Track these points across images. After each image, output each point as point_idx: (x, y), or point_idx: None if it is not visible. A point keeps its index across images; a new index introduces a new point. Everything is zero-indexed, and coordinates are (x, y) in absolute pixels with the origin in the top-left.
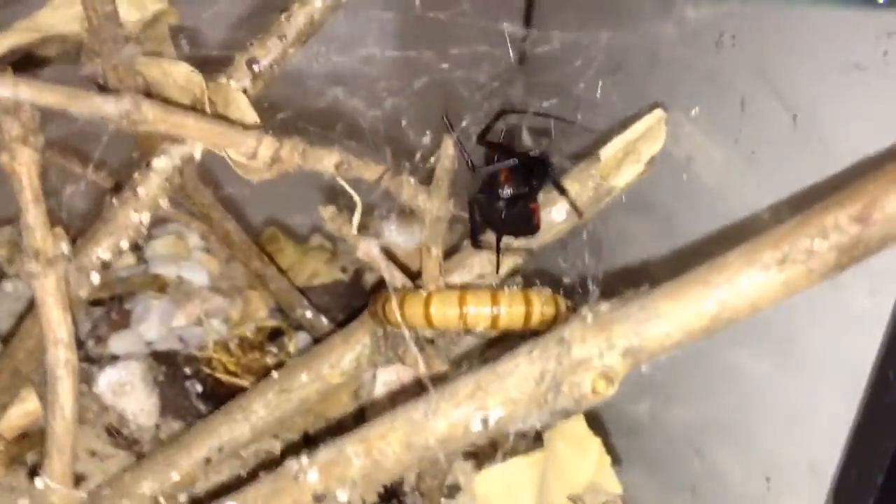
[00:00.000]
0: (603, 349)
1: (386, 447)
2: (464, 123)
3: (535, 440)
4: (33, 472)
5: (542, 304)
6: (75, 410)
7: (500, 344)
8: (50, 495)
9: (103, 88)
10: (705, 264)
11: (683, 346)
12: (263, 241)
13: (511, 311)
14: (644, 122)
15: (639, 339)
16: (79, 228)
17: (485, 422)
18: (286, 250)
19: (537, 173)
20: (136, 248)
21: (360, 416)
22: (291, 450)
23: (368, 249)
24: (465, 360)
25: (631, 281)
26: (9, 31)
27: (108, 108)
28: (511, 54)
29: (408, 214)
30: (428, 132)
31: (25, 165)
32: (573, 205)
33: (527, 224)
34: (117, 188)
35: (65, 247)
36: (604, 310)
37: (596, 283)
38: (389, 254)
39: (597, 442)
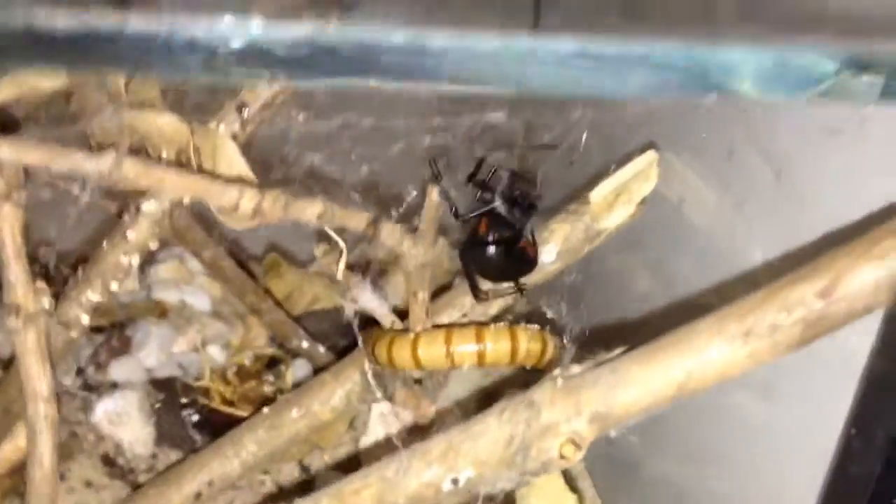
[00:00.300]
0: (571, 415)
1: (359, 503)
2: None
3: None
4: None
5: (528, 341)
6: (55, 462)
7: None
8: None
9: (89, 144)
10: (675, 331)
11: (651, 411)
12: (264, 267)
13: (497, 347)
14: (637, 163)
15: (606, 406)
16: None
17: (455, 482)
18: (287, 276)
19: (519, 210)
20: (141, 270)
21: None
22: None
23: (357, 293)
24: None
25: (619, 326)
26: None
27: (89, 166)
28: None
29: (381, 278)
30: (410, 187)
31: (7, 222)
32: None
33: (523, 264)
34: (121, 213)
35: (46, 301)
36: (574, 373)
37: (576, 330)
38: None
39: (573, 498)
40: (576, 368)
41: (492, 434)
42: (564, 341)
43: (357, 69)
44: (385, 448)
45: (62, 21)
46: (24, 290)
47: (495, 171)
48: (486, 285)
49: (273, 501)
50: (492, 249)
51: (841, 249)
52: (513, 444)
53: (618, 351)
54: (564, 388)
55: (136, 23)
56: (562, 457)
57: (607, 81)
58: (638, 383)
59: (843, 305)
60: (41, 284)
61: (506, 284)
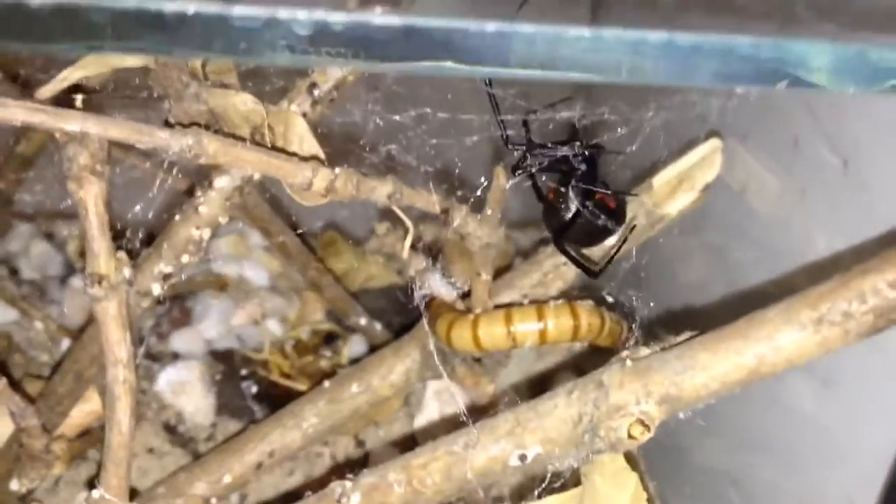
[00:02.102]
0: (640, 396)
1: (426, 476)
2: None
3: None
4: (91, 480)
5: (588, 316)
6: (132, 426)
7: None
8: None
9: (168, 122)
10: (745, 318)
11: (719, 395)
12: (322, 245)
13: (559, 323)
14: (700, 150)
15: (676, 388)
16: (150, 229)
17: (522, 458)
18: (344, 254)
19: (581, 168)
20: None
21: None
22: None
23: (419, 269)
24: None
25: (683, 312)
26: (76, 64)
27: (171, 142)
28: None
29: (463, 255)
30: (481, 178)
31: (92, 195)
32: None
33: (611, 218)
34: (191, 191)
35: (127, 272)
36: (643, 355)
37: (642, 314)
38: None
39: (634, 477)
40: (644, 351)
41: (560, 412)
42: (623, 319)
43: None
44: (441, 427)
45: (171, 5)
46: (106, 260)
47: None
48: (596, 258)
49: (330, 474)
50: (571, 212)
51: None
52: (581, 424)
53: (685, 335)
54: (633, 370)
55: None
56: (630, 437)
57: (679, 70)
58: (707, 368)
59: None
60: (122, 255)
61: (609, 243)
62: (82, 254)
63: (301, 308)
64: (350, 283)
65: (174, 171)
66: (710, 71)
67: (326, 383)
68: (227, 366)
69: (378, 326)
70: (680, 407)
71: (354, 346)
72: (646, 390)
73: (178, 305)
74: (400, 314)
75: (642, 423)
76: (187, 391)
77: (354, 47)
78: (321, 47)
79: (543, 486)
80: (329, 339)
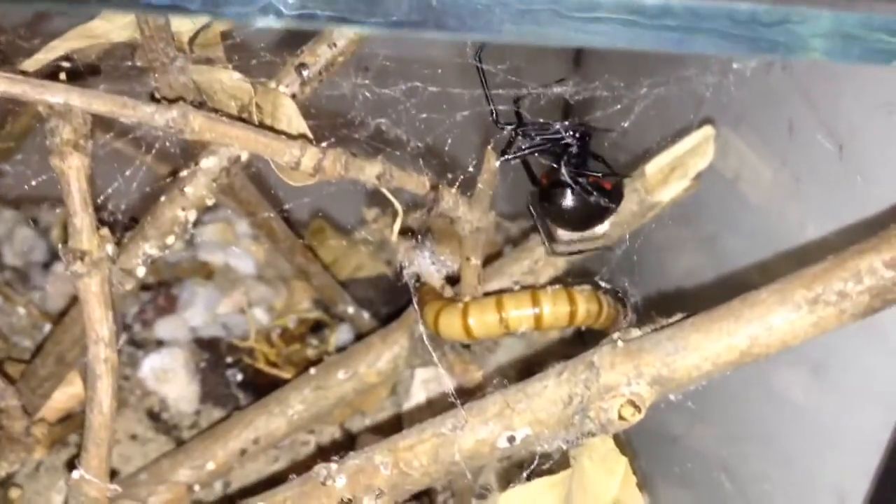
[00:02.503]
0: (631, 377)
1: (413, 459)
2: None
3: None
4: (72, 463)
5: (586, 301)
6: (113, 407)
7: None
8: (85, 486)
9: (154, 97)
10: (738, 298)
11: (711, 377)
12: (309, 233)
13: (555, 309)
14: (692, 138)
15: (667, 369)
16: (132, 212)
17: (511, 440)
18: (331, 243)
19: (574, 147)
20: None
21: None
22: (328, 445)
23: (408, 254)
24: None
25: (673, 298)
26: (63, 37)
27: (157, 118)
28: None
29: (440, 244)
30: (472, 157)
31: (74, 169)
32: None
33: (610, 198)
34: (173, 174)
35: (110, 249)
36: (634, 336)
37: (635, 299)
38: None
39: (623, 461)
40: (635, 332)
41: (550, 394)
42: (619, 302)
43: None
44: (428, 411)
45: None
46: (89, 236)
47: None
48: (564, 237)
49: (315, 460)
50: (566, 192)
51: None
52: (571, 405)
53: (678, 317)
54: (624, 351)
55: None
56: (621, 418)
57: (674, 38)
58: (699, 348)
59: None
60: (105, 232)
61: (588, 233)
62: (65, 240)
63: (287, 297)
64: (338, 272)
65: (153, 152)
66: (708, 38)
67: (312, 370)
68: (212, 353)
69: (366, 315)
70: (671, 388)
71: (341, 334)
72: (637, 371)
73: (163, 293)
74: (388, 304)
75: (633, 404)
76: (171, 378)
77: None
78: None
79: (531, 468)
80: (316, 327)
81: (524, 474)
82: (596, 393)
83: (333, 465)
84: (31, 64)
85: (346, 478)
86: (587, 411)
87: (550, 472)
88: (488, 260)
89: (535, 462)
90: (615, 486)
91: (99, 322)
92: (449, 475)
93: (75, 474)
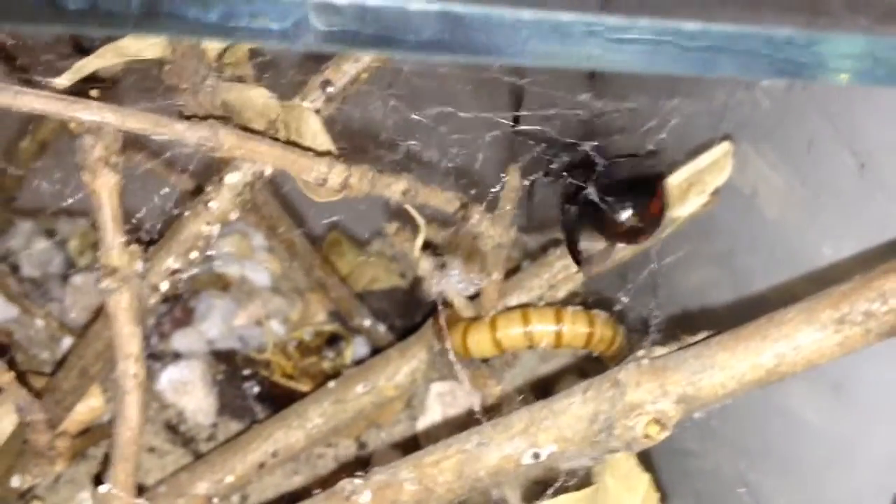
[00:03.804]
0: (657, 395)
1: (438, 475)
2: (533, 177)
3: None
4: (97, 477)
5: (602, 326)
6: (141, 422)
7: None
8: (113, 501)
9: (182, 114)
10: (764, 317)
11: (737, 396)
12: (326, 245)
13: (574, 329)
14: (711, 154)
15: (693, 387)
16: (160, 230)
17: (536, 456)
18: (347, 255)
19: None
20: None
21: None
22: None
23: (428, 271)
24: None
25: (690, 316)
26: (94, 54)
27: (188, 135)
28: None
29: (474, 254)
30: (501, 176)
31: (106, 186)
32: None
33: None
34: (197, 191)
35: (140, 265)
36: (659, 355)
37: (654, 318)
38: None
39: (646, 478)
40: (660, 350)
41: (575, 411)
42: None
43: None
44: (444, 429)
45: None
46: (119, 252)
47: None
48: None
49: (333, 475)
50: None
51: None
52: (597, 422)
53: (702, 335)
54: (650, 369)
55: None
56: (646, 436)
57: (703, 61)
58: (725, 367)
59: None
60: (135, 248)
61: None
62: (83, 252)
63: (303, 309)
64: (353, 284)
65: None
66: (740, 62)
67: (331, 384)
68: (228, 366)
69: (382, 328)
70: (697, 406)
71: (357, 347)
72: (662, 389)
73: (180, 305)
74: (403, 316)
75: (658, 421)
76: (189, 390)
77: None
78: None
79: (557, 485)
80: (332, 340)
81: (549, 491)
82: (621, 411)
83: (358, 481)
84: (62, 80)
85: (372, 493)
86: (613, 429)
87: (575, 489)
88: (507, 274)
89: (562, 480)
90: (637, 503)
91: (128, 338)
92: (473, 491)
93: (103, 488)
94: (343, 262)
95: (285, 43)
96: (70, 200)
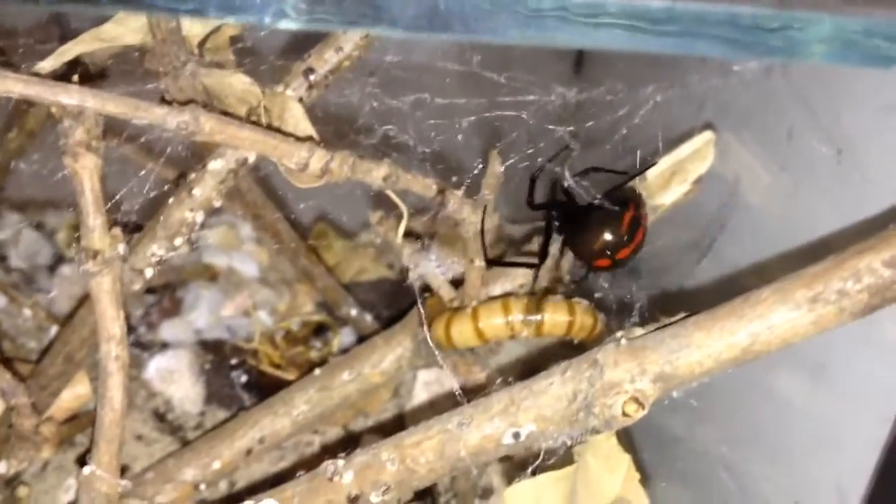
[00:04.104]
0: (635, 374)
1: (419, 455)
2: (509, 161)
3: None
4: (82, 459)
5: (582, 314)
6: (124, 403)
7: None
8: (96, 482)
9: (164, 99)
10: (739, 297)
11: (713, 374)
12: (312, 236)
13: (555, 318)
14: (693, 143)
15: (670, 366)
16: (140, 217)
17: (516, 436)
18: (334, 246)
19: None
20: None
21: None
22: (332, 445)
23: (412, 257)
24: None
25: (671, 301)
26: (76, 40)
27: (168, 119)
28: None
29: (446, 246)
30: (478, 162)
31: (87, 169)
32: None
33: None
34: (179, 178)
35: (122, 248)
36: (637, 335)
37: (636, 303)
38: None
39: (626, 458)
40: (639, 331)
41: (555, 391)
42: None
43: None
44: (430, 412)
45: None
46: (101, 235)
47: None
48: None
49: (320, 459)
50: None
51: None
52: (575, 401)
53: (680, 316)
54: (628, 349)
55: None
56: (625, 414)
57: (676, 42)
58: (702, 346)
59: None
60: (117, 231)
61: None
62: (70, 243)
63: (290, 300)
64: (341, 275)
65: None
66: (710, 43)
67: (317, 371)
68: (216, 355)
69: (368, 318)
70: (674, 385)
71: (344, 337)
72: (640, 368)
73: (167, 295)
74: (390, 307)
75: (637, 400)
76: (176, 379)
77: None
78: None
79: (537, 463)
80: (319, 330)
81: (529, 469)
82: (600, 390)
83: (341, 462)
84: (44, 66)
85: (354, 474)
86: (591, 408)
87: (554, 467)
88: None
89: (541, 458)
90: (618, 483)
91: (111, 320)
92: (454, 471)
93: (86, 470)
94: (330, 254)
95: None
96: (57, 193)
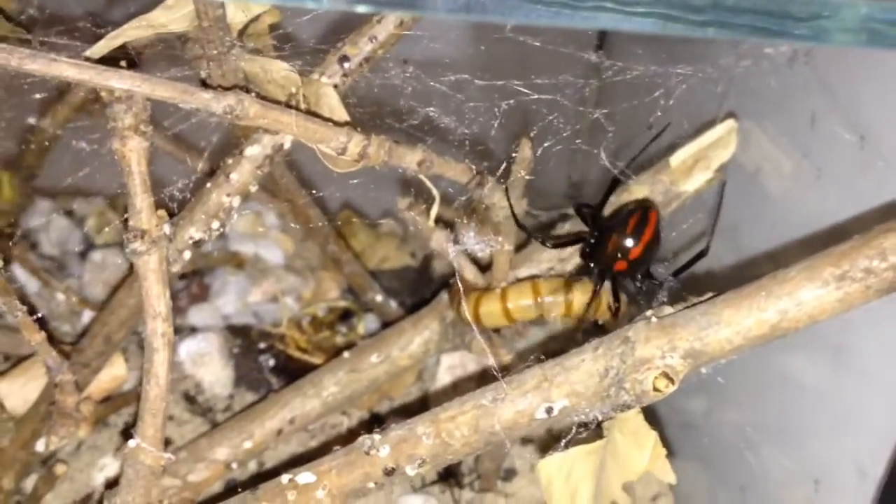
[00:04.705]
0: (665, 350)
1: (454, 429)
2: (546, 144)
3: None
4: (126, 432)
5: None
6: (169, 379)
7: None
8: (140, 454)
9: (206, 84)
10: (768, 276)
11: (743, 351)
12: (337, 224)
13: (582, 298)
14: (716, 131)
15: (700, 342)
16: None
17: (549, 411)
18: (358, 234)
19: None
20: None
21: (423, 400)
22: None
23: (441, 241)
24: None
25: (695, 285)
26: (125, 26)
27: (215, 104)
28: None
29: (485, 225)
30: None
31: (135, 152)
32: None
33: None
34: (213, 171)
35: (167, 228)
36: (668, 313)
37: (664, 285)
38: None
39: (653, 435)
40: (668, 310)
41: (587, 367)
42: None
43: None
44: (454, 394)
45: None
46: (148, 216)
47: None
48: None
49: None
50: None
51: None
52: (607, 377)
53: (709, 295)
54: (659, 326)
55: None
56: (655, 389)
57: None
58: (731, 323)
59: None
60: (163, 213)
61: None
62: (100, 230)
63: (315, 286)
64: (364, 262)
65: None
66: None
67: (346, 354)
68: (244, 340)
69: (393, 304)
70: (704, 361)
71: (369, 323)
72: (671, 345)
73: (196, 281)
74: (413, 294)
75: (667, 376)
76: (206, 362)
77: None
78: None
79: (569, 437)
80: (344, 316)
81: (562, 443)
82: (631, 366)
83: (377, 436)
84: (94, 52)
85: (390, 447)
86: (623, 383)
87: (586, 441)
88: (517, 248)
89: (573, 432)
90: (645, 458)
91: (157, 298)
92: (489, 445)
93: (131, 443)
94: (355, 241)
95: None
96: (87, 181)
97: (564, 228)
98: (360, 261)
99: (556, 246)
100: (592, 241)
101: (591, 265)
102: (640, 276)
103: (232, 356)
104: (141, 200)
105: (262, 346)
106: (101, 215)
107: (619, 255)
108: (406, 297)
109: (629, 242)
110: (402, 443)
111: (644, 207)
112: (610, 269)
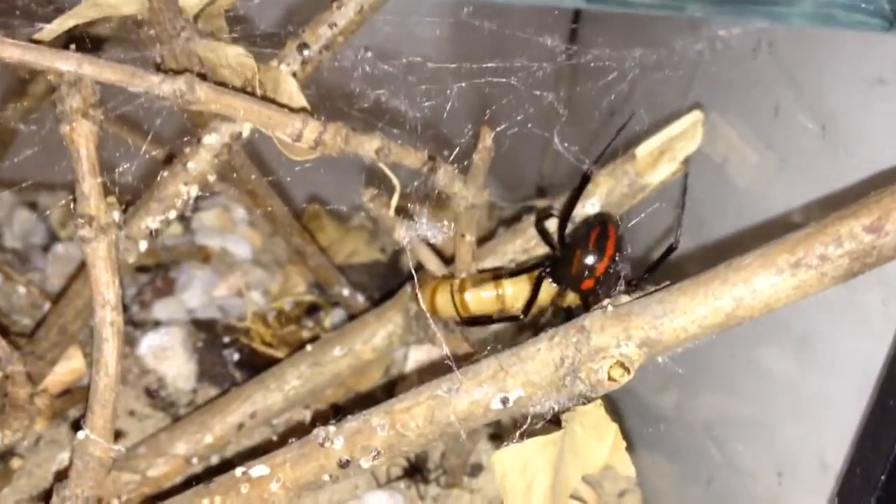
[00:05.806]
0: (621, 339)
1: (409, 420)
2: (499, 128)
3: (552, 423)
4: (76, 425)
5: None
6: (118, 369)
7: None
8: (90, 446)
9: (159, 68)
10: (723, 263)
11: (698, 340)
12: (305, 219)
13: (548, 290)
14: (681, 123)
15: (655, 331)
16: (132, 198)
17: (504, 401)
18: (327, 228)
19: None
20: (182, 218)
21: (389, 390)
22: (321, 420)
23: (404, 232)
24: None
25: (662, 278)
26: (73, 9)
27: (164, 87)
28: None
29: (439, 209)
30: (467, 129)
31: (84, 137)
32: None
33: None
34: (169, 159)
35: (116, 215)
36: (623, 302)
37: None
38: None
39: (613, 427)
40: (625, 298)
41: (542, 356)
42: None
43: None
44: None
45: None
46: (97, 202)
47: None
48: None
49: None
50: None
51: (889, 188)
52: (563, 366)
53: (665, 283)
54: (614, 315)
55: None
56: (611, 379)
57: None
58: (686, 312)
59: (891, 239)
60: (112, 199)
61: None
62: (64, 223)
63: (283, 281)
64: (332, 257)
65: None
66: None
67: (309, 347)
68: (208, 334)
69: (360, 298)
70: (660, 350)
71: (336, 317)
72: (626, 333)
73: (161, 275)
74: (381, 289)
75: (622, 365)
76: (169, 356)
77: None
78: None
79: (524, 428)
80: (311, 310)
81: (517, 434)
82: (587, 355)
83: (332, 428)
84: (44, 34)
85: (344, 439)
86: (578, 373)
87: (542, 433)
88: (481, 241)
89: (528, 423)
90: (605, 451)
91: (106, 286)
92: (444, 436)
93: (80, 434)
94: (323, 236)
95: None
96: (51, 174)
97: (530, 220)
98: (326, 254)
99: (513, 275)
100: (555, 263)
101: (559, 286)
102: (610, 288)
103: (196, 350)
104: (89, 186)
105: (226, 340)
106: (65, 209)
107: (586, 275)
108: (375, 292)
109: (591, 260)
110: (357, 434)
111: (602, 222)
112: (578, 289)
